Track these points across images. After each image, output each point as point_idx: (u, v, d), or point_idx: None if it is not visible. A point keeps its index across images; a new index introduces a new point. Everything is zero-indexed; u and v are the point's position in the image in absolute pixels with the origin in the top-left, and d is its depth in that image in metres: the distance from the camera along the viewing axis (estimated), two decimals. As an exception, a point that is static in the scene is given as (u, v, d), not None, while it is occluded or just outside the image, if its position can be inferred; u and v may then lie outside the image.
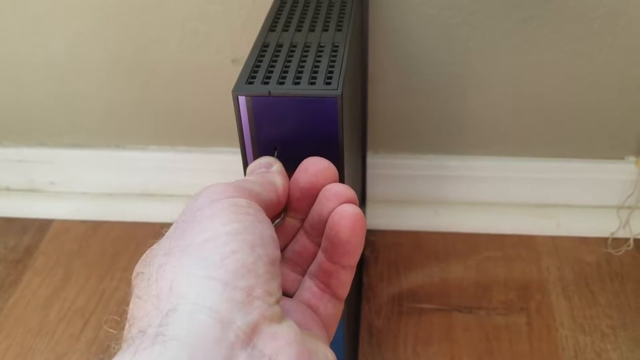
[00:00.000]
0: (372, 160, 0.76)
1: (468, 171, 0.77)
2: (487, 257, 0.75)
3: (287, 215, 0.31)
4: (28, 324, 0.70)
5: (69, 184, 0.85)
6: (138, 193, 0.84)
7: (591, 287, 0.72)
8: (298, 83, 0.34)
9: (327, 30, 0.41)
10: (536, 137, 0.74)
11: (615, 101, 0.70)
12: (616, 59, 0.66)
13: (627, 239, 0.76)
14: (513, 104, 0.71)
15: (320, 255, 0.30)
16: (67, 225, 0.83)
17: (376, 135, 0.75)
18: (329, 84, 0.34)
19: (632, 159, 0.75)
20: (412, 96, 0.71)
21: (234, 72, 0.35)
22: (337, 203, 0.29)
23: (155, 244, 0.25)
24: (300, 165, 0.31)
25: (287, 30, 0.40)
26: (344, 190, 0.29)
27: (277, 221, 0.31)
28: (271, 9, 0.44)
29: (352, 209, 0.28)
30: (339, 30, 0.41)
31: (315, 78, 0.34)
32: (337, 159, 0.35)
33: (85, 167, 0.83)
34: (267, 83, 0.34)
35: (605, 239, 0.77)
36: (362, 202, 0.74)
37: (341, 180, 0.36)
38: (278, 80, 0.34)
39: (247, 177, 0.30)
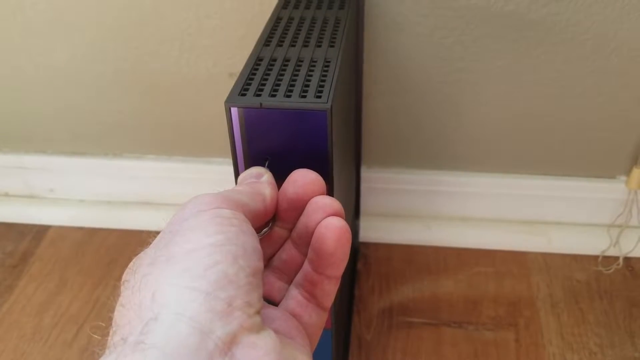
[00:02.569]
0: (366, 174, 0.77)
1: (460, 187, 0.77)
2: (478, 273, 0.76)
3: (276, 224, 0.32)
4: (22, 329, 0.70)
5: (67, 191, 0.85)
6: (135, 201, 0.84)
7: (580, 304, 0.72)
8: (289, 96, 0.35)
9: (320, 46, 0.41)
10: (528, 155, 0.75)
11: (606, 121, 0.71)
12: (606, 81, 0.67)
13: (617, 258, 0.77)
14: (505, 122, 0.72)
15: (306, 265, 0.30)
16: (64, 232, 0.83)
17: (370, 149, 0.76)
18: (319, 97, 0.34)
19: (623, 178, 0.76)
20: (406, 113, 0.72)
21: (231, 86, 0.36)
22: (323, 215, 0.29)
23: (142, 252, 0.26)
24: (288, 176, 0.31)
25: (281, 45, 0.41)
26: (331, 202, 0.29)
27: (265, 230, 0.32)
28: (267, 25, 0.45)
29: (338, 222, 0.29)
30: (332, 46, 0.42)
31: (306, 92, 0.35)
32: (326, 171, 0.35)
33: (83, 174, 0.83)
34: (259, 95, 0.35)
35: (595, 257, 0.77)
36: (355, 215, 0.75)
37: (331, 192, 0.37)
38: (270, 92, 0.35)
39: (235, 187, 0.30)
